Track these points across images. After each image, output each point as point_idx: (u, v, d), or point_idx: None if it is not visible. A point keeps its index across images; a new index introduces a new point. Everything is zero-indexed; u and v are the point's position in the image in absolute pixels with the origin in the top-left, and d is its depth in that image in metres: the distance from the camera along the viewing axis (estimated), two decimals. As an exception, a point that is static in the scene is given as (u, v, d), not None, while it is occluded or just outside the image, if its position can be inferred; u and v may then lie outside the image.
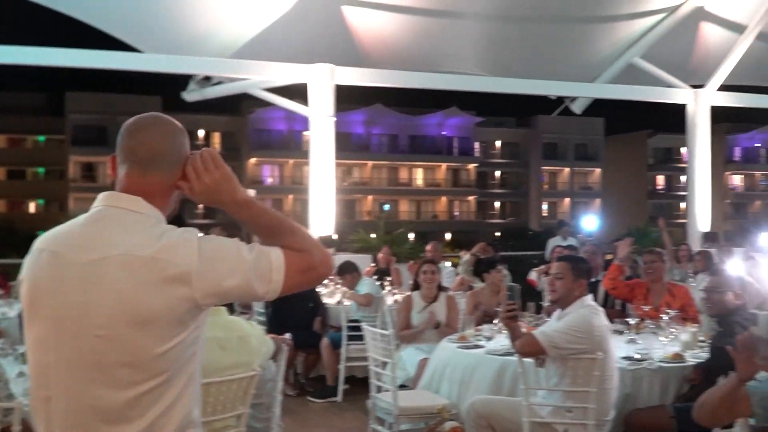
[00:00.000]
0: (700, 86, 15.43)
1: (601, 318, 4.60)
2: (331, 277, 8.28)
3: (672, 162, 63.83)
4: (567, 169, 64.58)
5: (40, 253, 1.95)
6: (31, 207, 57.40)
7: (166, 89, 21.63)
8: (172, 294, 1.84)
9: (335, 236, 12.60)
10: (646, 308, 6.25)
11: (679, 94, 15.44)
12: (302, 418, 7.02)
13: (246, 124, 55.76)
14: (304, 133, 44.34)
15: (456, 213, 62.17)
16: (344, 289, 8.63)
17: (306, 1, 12.06)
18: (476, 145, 61.79)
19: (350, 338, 7.44)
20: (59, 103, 54.52)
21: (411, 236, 17.97)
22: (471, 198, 62.21)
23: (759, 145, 65.69)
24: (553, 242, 13.87)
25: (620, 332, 5.78)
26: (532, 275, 10.20)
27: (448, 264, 11.66)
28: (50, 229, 2.01)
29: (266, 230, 1.98)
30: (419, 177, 61.71)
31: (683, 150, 31.46)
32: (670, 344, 5.41)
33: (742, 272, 6.54)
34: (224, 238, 1.93)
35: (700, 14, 14.73)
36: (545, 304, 7.44)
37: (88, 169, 54.37)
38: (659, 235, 12.89)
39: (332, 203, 13.00)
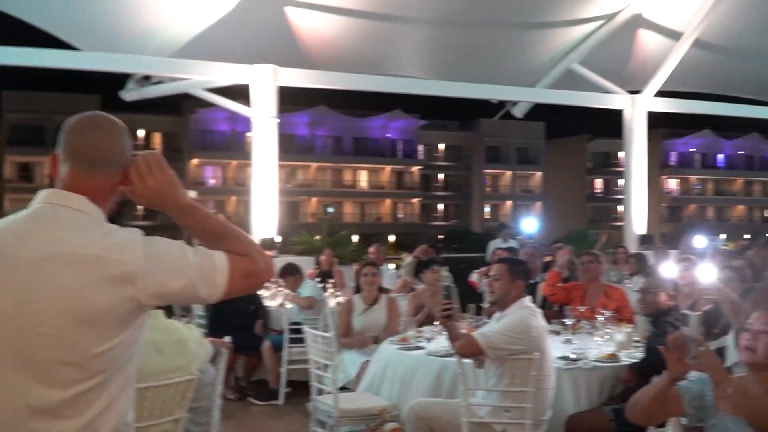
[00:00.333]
0: (638, 92, 15.77)
1: (538, 319, 4.68)
2: (273, 279, 8.24)
3: (610, 166, 65.19)
4: (509, 173, 65.40)
5: None
6: (-35, 207, 55.76)
7: (105, 88, 21.24)
8: (117, 293, 1.82)
9: (278, 238, 12.54)
10: (583, 309, 6.36)
11: (616, 99, 15.76)
12: (242, 422, 6.96)
13: (188, 125, 54.95)
14: (247, 134, 43.90)
15: (400, 215, 62.35)
16: (286, 291, 8.59)
17: (249, 1, 11.95)
18: (420, 147, 62.14)
19: (292, 341, 7.39)
20: (-5, 102, 53.09)
21: (355, 238, 18.01)
22: (415, 200, 62.50)
23: (694, 150, 67.60)
24: (494, 244, 14.04)
25: (557, 333, 5.86)
26: (473, 277, 10.27)
27: (391, 266, 11.70)
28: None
29: (210, 235, 1.97)
30: (363, 179, 61.75)
31: (621, 154, 32.19)
32: (606, 344, 5.52)
33: (675, 274, 6.69)
34: (169, 240, 1.92)
35: (638, 21, 15.03)
36: (485, 305, 7.53)
37: (25, 169, 52.88)
38: (597, 238, 13.15)
39: (275, 205, 12.93)
